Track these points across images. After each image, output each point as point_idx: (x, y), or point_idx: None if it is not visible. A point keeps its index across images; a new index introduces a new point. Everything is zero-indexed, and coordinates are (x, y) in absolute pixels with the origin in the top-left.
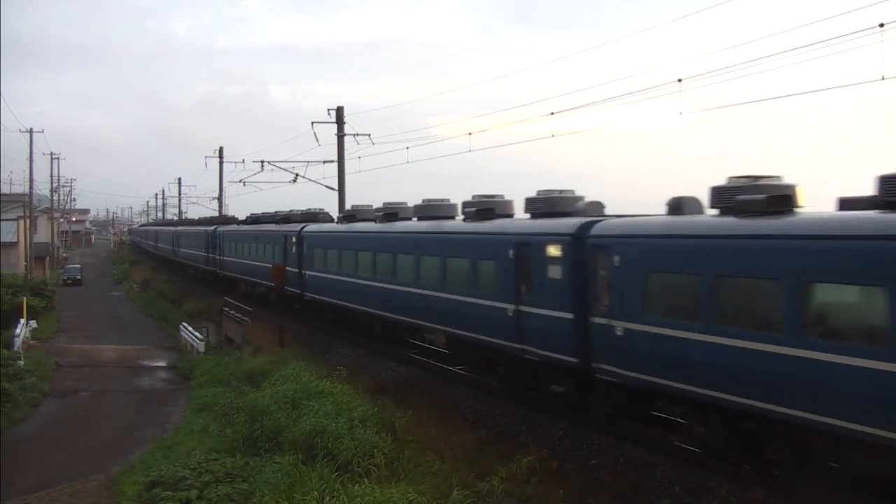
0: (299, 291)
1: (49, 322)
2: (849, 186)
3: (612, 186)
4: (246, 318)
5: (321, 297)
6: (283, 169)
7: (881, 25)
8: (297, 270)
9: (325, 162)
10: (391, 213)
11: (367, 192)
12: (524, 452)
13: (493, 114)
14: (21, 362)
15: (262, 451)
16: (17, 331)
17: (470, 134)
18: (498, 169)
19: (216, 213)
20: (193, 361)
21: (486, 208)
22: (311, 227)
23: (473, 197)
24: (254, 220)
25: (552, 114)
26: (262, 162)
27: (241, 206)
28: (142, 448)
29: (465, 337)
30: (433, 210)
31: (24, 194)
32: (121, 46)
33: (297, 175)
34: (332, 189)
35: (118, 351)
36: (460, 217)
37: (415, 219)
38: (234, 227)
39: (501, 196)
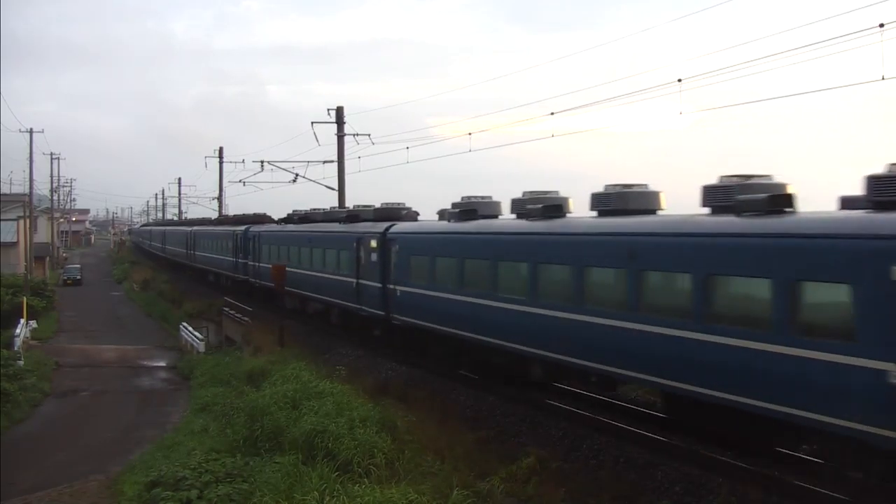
0: (383, 313)
1: (49, 322)
2: (848, 186)
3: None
4: (246, 318)
5: (423, 324)
6: (283, 169)
7: (881, 25)
8: (378, 285)
9: (325, 162)
10: (553, 205)
11: (367, 192)
12: (524, 452)
13: (493, 114)
14: (21, 362)
15: (262, 451)
16: (17, 331)
17: (470, 134)
18: (498, 169)
19: (216, 213)
20: (193, 361)
21: (777, 195)
22: (402, 227)
23: (721, 179)
24: (302, 218)
25: (552, 114)
26: (262, 162)
27: (240, 205)
28: (142, 448)
29: (739, 405)
30: (624, 200)
31: (24, 194)
32: (120, 46)
33: (297, 175)
34: (332, 189)
35: (118, 351)
36: (697, 210)
37: (593, 213)
38: (273, 227)
39: (767, 175)
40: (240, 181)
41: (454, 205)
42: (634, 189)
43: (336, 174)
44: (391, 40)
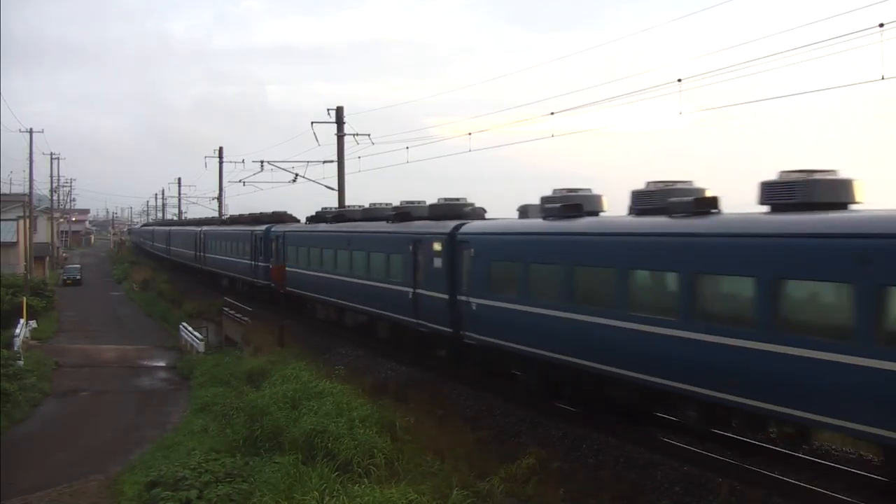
0: (450, 330)
1: (49, 322)
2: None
3: (613, 187)
4: (246, 318)
5: (510, 345)
6: (283, 169)
7: (881, 25)
8: (444, 296)
9: (324, 162)
10: (705, 199)
11: (366, 192)
12: (524, 452)
13: (493, 114)
14: (21, 362)
15: (262, 451)
16: (17, 331)
17: (470, 134)
18: (498, 169)
19: (216, 213)
20: (193, 361)
21: None
22: (477, 226)
23: None
24: (336, 216)
25: (552, 114)
26: (262, 162)
27: (240, 205)
28: (142, 448)
29: None
30: (811, 191)
31: (24, 194)
32: (120, 47)
33: (296, 175)
34: (332, 189)
35: (118, 351)
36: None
37: (764, 209)
38: (299, 226)
39: None
40: (240, 181)
41: (546, 199)
42: (821, 177)
43: (336, 174)
44: (391, 40)
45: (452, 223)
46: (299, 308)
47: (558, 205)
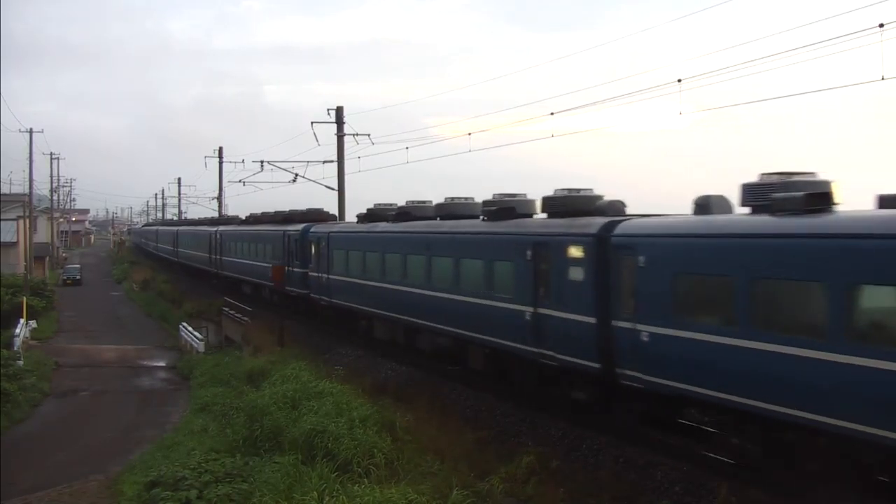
0: (598, 366)
1: (49, 322)
2: (859, 187)
3: (612, 186)
4: (246, 318)
5: (715, 395)
6: (283, 169)
7: (881, 25)
8: (589, 320)
9: (324, 162)
10: None
11: (366, 192)
12: (524, 452)
13: (493, 114)
14: (21, 362)
15: (261, 451)
16: (17, 331)
17: (470, 134)
18: (498, 169)
19: (216, 213)
20: (193, 361)
21: None
22: (642, 226)
23: None
24: (400, 214)
25: (552, 114)
26: (262, 162)
27: (240, 205)
28: (142, 448)
29: None
30: None
31: (24, 194)
32: (119, 47)
33: (296, 175)
34: (332, 189)
35: (118, 351)
36: None
37: None
38: (351, 226)
39: None
40: (239, 181)
41: (759, 188)
42: None
43: (336, 174)
44: (391, 40)
45: (598, 221)
46: (351, 325)
47: (799, 194)
